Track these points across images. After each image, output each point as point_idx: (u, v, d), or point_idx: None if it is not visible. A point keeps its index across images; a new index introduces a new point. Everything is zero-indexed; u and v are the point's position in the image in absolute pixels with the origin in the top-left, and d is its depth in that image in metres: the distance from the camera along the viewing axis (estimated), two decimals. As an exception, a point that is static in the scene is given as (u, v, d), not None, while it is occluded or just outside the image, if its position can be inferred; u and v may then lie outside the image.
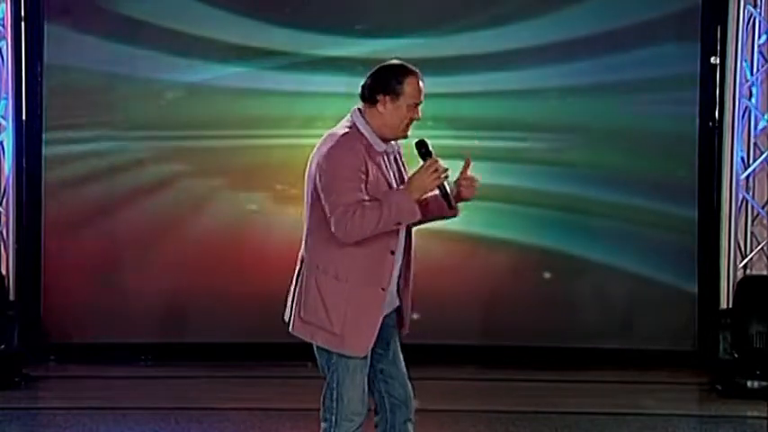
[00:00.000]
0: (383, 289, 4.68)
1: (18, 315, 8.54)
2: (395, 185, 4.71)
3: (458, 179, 4.81)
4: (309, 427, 7.20)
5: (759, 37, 8.76)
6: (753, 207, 8.87)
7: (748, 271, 8.85)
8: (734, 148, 8.77)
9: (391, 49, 8.29)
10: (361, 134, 4.66)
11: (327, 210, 4.55)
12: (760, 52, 8.78)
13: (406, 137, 4.77)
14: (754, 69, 8.77)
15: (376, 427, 4.93)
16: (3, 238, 8.76)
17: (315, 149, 4.73)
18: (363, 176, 4.57)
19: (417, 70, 4.74)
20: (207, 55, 8.98)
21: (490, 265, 9.11)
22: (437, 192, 4.70)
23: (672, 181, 9.00)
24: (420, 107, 4.73)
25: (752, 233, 8.88)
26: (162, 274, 8.98)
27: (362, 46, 8.78)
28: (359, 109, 4.74)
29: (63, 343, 9.03)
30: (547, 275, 9.05)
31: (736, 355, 8.41)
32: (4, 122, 8.70)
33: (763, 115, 8.77)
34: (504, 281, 9.09)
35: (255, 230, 9.03)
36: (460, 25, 8.97)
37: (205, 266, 8.94)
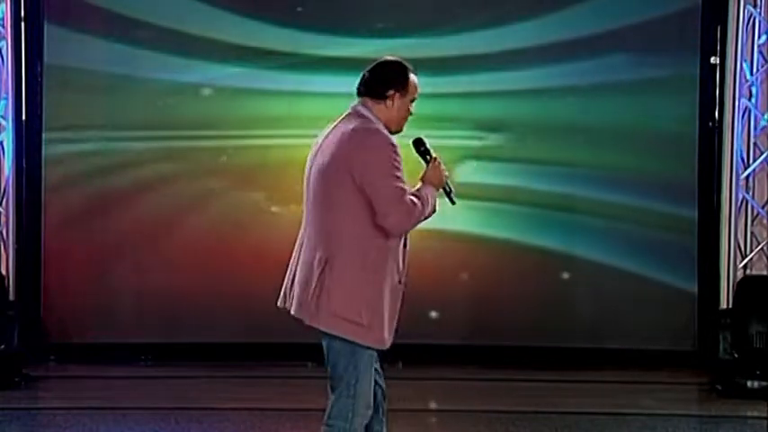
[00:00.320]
0: (400, 282, 4.75)
1: (18, 315, 8.54)
2: None
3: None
4: (309, 427, 7.22)
5: (759, 37, 8.76)
6: (753, 207, 8.87)
7: (748, 271, 8.84)
8: (734, 148, 8.77)
9: (391, 49, 8.20)
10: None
11: (379, 202, 4.56)
12: (760, 52, 8.78)
13: (401, 132, 4.82)
14: (754, 69, 8.77)
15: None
16: (3, 238, 8.76)
17: (328, 144, 4.69)
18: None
19: None
20: (207, 55, 8.98)
21: (490, 264, 9.11)
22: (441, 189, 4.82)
23: (672, 181, 9.00)
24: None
25: (752, 233, 8.88)
26: (162, 274, 8.98)
27: (363, 46, 8.78)
28: (363, 105, 4.75)
29: (63, 343, 9.03)
30: (547, 275, 9.04)
31: (736, 355, 8.41)
32: (4, 122, 8.70)
33: (763, 115, 8.77)
34: (504, 281, 9.09)
35: (255, 230, 9.02)
36: (460, 25, 8.97)
37: (205, 266, 8.94)
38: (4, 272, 8.64)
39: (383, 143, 4.62)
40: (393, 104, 4.74)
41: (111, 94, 9.02)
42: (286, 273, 4.86)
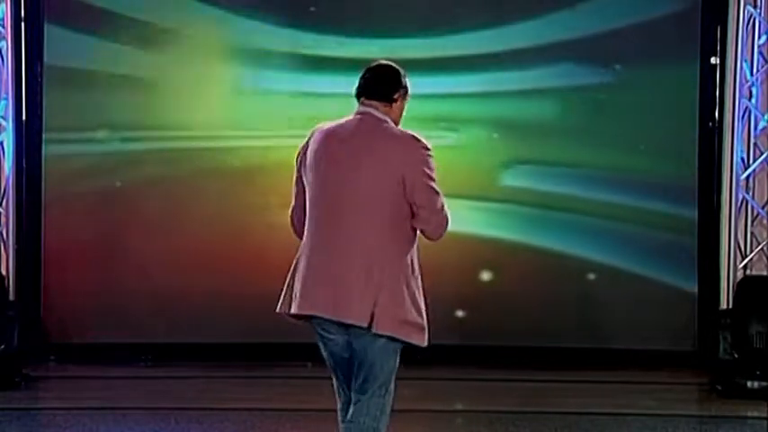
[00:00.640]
0: None
1: (18, 315, 8.53)
2: None
3: None
4: (309, 427, 7.23)
5: (759, 37, 8.76)
6: (753, 207, 8.87)
7: (748, 271, 8.84)
8: (734, 149, 8.76)
9: (391, 49, 8.31)
10: None
11: (424, 207, 4.63)
12: (760, 52, 8.78)
13: None
14: (754, 69, 8.77)
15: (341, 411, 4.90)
16: (3, 238, 8.75)
17: (367, 148, 4.67)
18: None
19: None
20: (207, 55, 8.98)
21: (489, 265, 9.10)
22: None
23: (672, 181, 9.00)
24: None
25: (752, 233, 8.88)
26: (162, 274, 8.98)
27: (363, 46, 8.78)
28: (372, 107, 4.76)
29: (63, 343, 9.03)
30: (546, 275, 9.04)
31: (736, 356, 8.41)
32: (4, 122, 8.70)
33: (763, 115, 8.77)
34: (504, 281, 9.09)
35: (255, 231, 9.01)
36: (460, 25, 8.97)
37: (205, 266, 8.93)
38: (4, 272, 8.64)
39: (428, 149, 4.69)
40: (398, 106, 4.81)
41: (111, 94, 9.02)
42: (293, 275, 4.76)
